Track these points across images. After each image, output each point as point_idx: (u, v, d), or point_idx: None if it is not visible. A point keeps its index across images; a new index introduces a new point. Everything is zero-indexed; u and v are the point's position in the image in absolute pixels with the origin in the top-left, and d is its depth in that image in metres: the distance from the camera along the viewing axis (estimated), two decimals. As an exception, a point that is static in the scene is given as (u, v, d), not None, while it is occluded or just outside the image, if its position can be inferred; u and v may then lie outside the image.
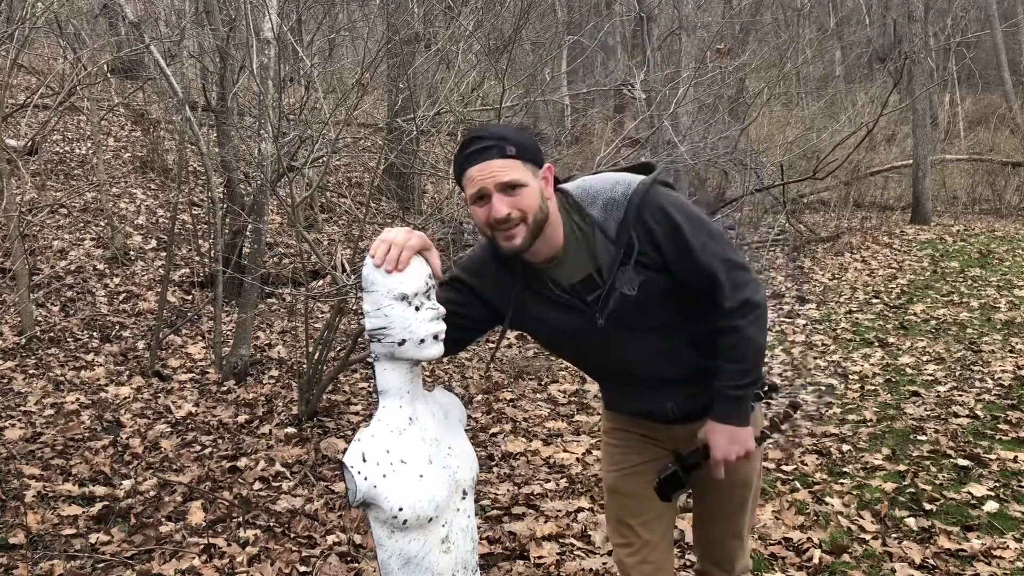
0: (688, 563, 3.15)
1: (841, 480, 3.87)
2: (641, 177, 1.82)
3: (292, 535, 3.45)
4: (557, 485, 3.95)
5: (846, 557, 3.18)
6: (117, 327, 6.17)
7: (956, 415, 4.61)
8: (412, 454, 1.75)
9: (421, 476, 1.74)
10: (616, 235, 1.78)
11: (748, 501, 2.12)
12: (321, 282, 7.06)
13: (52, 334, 5.88)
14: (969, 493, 3.63)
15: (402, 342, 1.71)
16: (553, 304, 1.88)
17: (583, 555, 3.27)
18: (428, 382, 1.96)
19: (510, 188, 1.73)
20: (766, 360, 1.91)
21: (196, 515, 3.59)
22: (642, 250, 1.79)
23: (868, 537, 3.32)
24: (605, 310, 1.84)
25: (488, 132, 1.77)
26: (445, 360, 5.89)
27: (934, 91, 17.07)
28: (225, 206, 6.51)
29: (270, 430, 4.59)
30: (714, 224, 1.84)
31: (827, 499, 3.65)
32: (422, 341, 1.72)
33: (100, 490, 3.83)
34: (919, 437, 4.34)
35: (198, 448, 4.37)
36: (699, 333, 1.89)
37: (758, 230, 10.31)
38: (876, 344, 6.16)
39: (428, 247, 1.74)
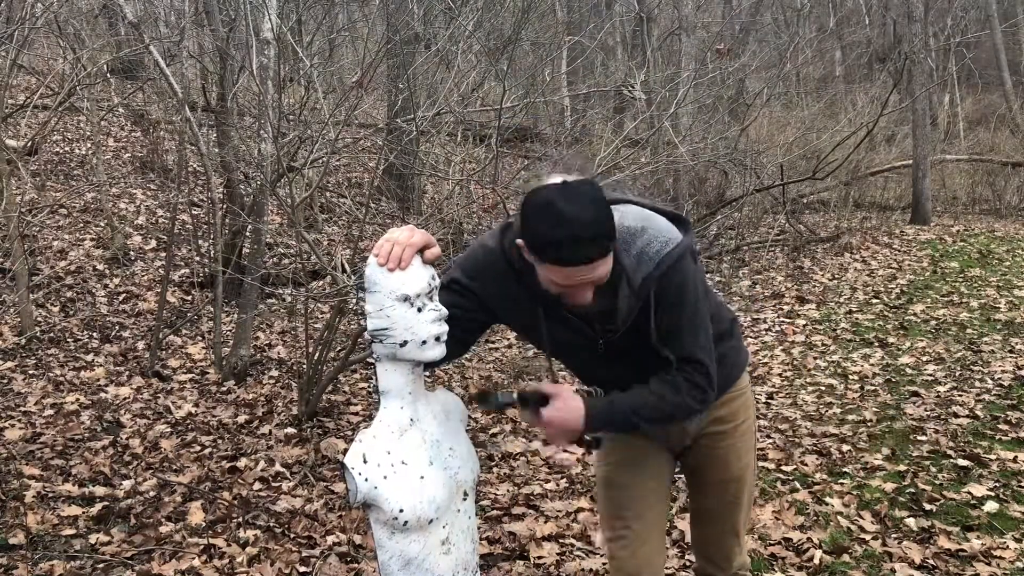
0: (688, 563, 3.15)
1: (841, 480, 3.87)
2: (678, 237, 1.82)
3: (292, 535, 3.45)
4: (557, 485, 3.95)
5: (846, 557, 3.18)
6: (117, 327, 6.16)
7: (956, 415, 4.61)
8: (413, 455, 1.75)
9: (422, 477, 1.74)
10: (639, 289, 1.81)
11: (743, 496, 2.14)
12: (321, 282, 7.06)
13: (52, 334, 5.88)
14: (969, 493, 3.63)
15: (404, 343, 1.71)
16: (562, 321, 1.90)
17: (583, 555, 3.27)
18: (429, 382, 1.95)
19: (596, 283, 1.75)
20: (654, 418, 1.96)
21: (196, 515, 3.59)
22: (654, 306, 1.83)
23: (868, 537, 3.32)
24: (609, 343, 1.90)
25: (591, 225, 1.65)
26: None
27: (934, 91, 17.07)
28: (225, 206, 6.51)
29: (270, 430, 4.59)
30: (707, 318, 1.91)
31: (827, 499, 3.65)
32: (424, 342, 1.71)
33: (100, 490, 3.83)
34: (919, 437, 4.34)
35: (198, 448, 4.37)
36: None
37: (758, 230, 10.31)
38: (876, 344, 6.16)
39: (431, 244, 1.74)
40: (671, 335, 1.86)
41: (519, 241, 1.74)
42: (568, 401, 1.86)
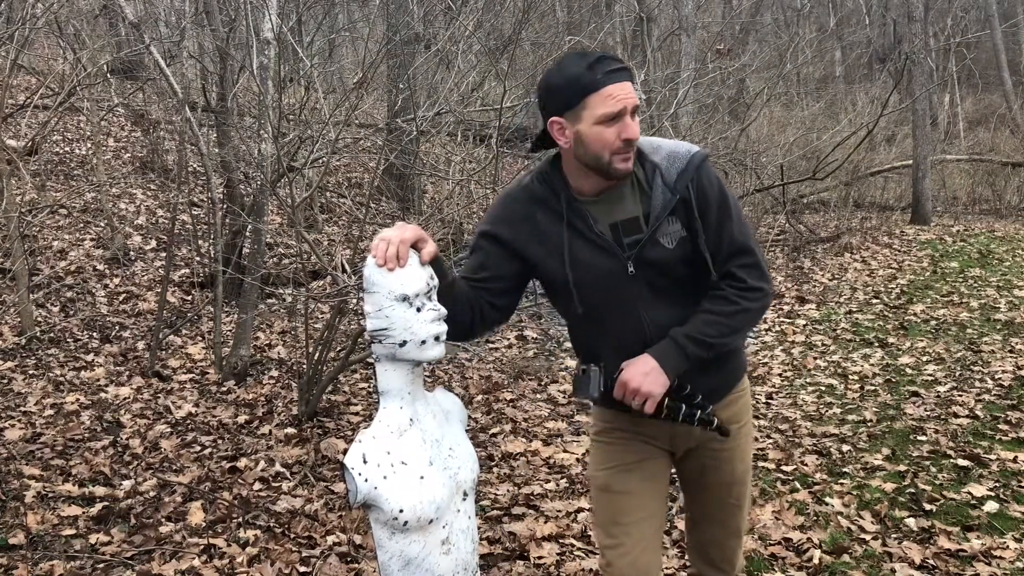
0: (688, 564, 3.15)
1: (841, 480, 3.87)
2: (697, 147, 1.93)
3: (292, 535, 3.45)
4: (557, 485, 3.95)
5: (846, 557, 3.18)
6: (117, 327, 6.17)
7: (956, 415, 4.61)
8: (413, 455, 1.75)
9: (422, 478, 1.74)
10: (675, 184, 1.85)
11: (744, 498, 2.14)
12: (321, 282, 7.06)
13: (52, 334, 5.88)
14: (969, 493, 3.63)
15: (403, 343, 1.71)
16: (589, 243, 1.89)
17: (583, 555, 3.27)
18: (429, 382, 1.95)
19: (636, 114, 1.81)
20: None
21: (196, 515, 3.59)
22: (695, 205, 1.85)
23: (868, 537, 3.32)
24: (640, 257, 1.87)
25: (618, 57, 1.83)
26: (444, 360, 5.88)
27: (934, 91, 17.06)
28: (225, 206, 6.51)
29: (270, 430, 4.59)
30: (742, 211, 1.96)
31: (827, 499, 3.65)
32: (423, 342, 1.72)
33: (100, 490, 3.83)
34: (919, 437, 4.34)
35: (198, 448, 4.37)
36: None
37: (758, 230, 10.31)
38: (876, 344, 6.16)
39: (424, 239, 1.75)
40: (720, 228, 1.86)
41: (554, 119, 1.83)
42: (633, 360, 1.86)
